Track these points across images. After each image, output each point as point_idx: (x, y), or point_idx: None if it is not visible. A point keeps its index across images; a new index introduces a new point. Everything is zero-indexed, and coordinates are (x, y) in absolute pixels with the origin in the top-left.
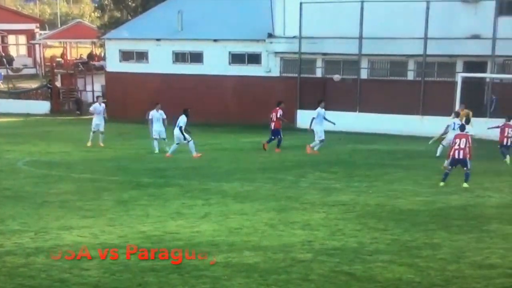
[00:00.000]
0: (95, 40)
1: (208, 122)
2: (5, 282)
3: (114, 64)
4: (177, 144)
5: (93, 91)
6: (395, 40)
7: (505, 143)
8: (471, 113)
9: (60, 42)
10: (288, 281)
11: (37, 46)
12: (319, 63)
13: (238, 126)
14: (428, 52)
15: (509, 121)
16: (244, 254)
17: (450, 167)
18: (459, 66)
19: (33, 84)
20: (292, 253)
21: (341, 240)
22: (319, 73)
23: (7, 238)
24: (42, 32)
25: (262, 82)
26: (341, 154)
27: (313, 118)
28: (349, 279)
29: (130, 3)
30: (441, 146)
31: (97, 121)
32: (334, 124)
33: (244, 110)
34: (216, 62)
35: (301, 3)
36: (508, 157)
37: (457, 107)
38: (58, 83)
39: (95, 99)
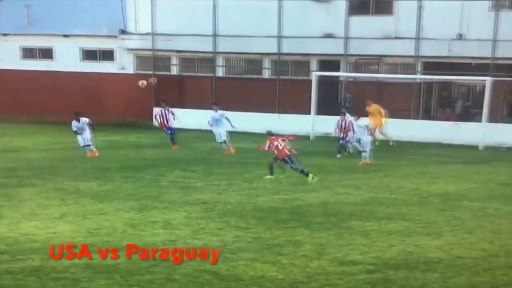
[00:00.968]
0: None
1: (61, 120)
2: None
3: None
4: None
5: None
6: (250, 38)
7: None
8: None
9: None
10: (151, 281)
11: None
12: (174, 60)
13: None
14: (283, 51)
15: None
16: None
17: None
18: (314, 64)
19: None
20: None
21: (204, 239)
22: (174, 70)
23: None
24: None
25: (116, 79)
26: (200, 153)
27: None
28: (213, 277)
29: None
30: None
31: None
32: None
33: (99, 108)
34: (67, 59)
35: None
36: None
37: (312, 105)
38: None
39: None
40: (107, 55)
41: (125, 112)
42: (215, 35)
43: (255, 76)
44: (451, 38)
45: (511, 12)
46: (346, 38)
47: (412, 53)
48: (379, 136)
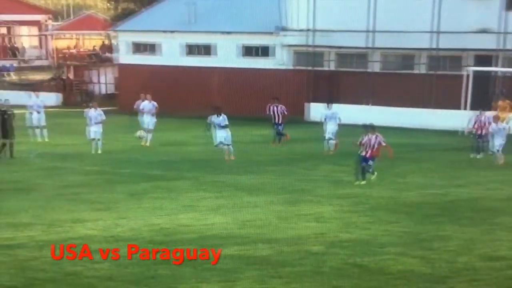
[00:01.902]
0: (107, 31)
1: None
2: (17, 276)
3: (125, 56)
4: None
5: (106, 83)
6: (406, 34)
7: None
8: None
9: (72, 34)
10: (300, 273)
11: (49, 37)
12: (331, 56)
13: (249, 119)
14: (439, 46)
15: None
16: (257, 247)
17: None
18: (468, 59)
19: (45, 76)
20: (305, 246)
21: (354, 232)
22: (331, 66)
23: (19, 230)
24: (54, 23)
25: (274, 75)
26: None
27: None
28: (361, 271)
29: None
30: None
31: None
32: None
33: (256, 103)
34: (228, 55)
35: None
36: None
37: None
38: (70, 75)
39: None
40: (266, 51)
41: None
42: (372, 31)
43: (410, 72)
44: None
45: None
46: (503, 33)
47: None
48: None
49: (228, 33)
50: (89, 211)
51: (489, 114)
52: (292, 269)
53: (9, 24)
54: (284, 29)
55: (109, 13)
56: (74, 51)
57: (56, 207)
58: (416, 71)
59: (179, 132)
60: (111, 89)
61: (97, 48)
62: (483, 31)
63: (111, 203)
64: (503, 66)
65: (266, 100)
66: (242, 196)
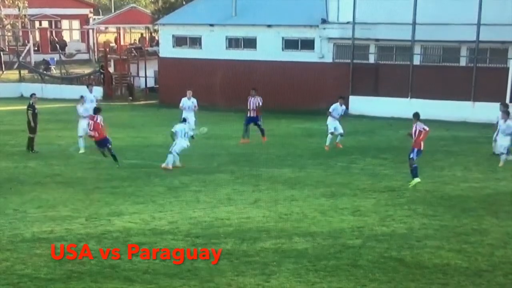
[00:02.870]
0: (149, 25)
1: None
2: (55, 268)
3: (167, 50)
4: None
5: (145, 76)
6: (448, 26)
7: None
8: None
9: (114, 28)
10: (337, 267)
11: (90, 31)
12: (372, 48)
13: (290, 112)
14: (481, 38)
15: None
16: (294, 240)
17: None
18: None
19: (86, 70)
20: (341, 239)
21: (391, 226)
22: (371, 59)
23: (58, 223)
24: (96, 17)
25: (315, 68)
26: (392, 140)
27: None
28: (398, 264)
29: None
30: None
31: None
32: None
33: (296, 96)
34: (269, 48)
35: None
36: None
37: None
38: (111, 69)
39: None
40: (307, 44)
41: (320, 100)
42: (414, 23)
43: (451, 64)
44: None
45: None
46: None
47: None
48: None
49: (269, 26)
50: (127, 204)
51: None
52: (328, 263)
53: (54, 18)
54: (325, 22)
55: (149, 7)
56: (114, 45)
57: (94, 200)
58: (457, 64)
59: (219, 125)
60: (151, 83)
61: (136, 41)
62: None
63: (149, 196)
64: None
65: (306, 93)
66: (279, 189)
